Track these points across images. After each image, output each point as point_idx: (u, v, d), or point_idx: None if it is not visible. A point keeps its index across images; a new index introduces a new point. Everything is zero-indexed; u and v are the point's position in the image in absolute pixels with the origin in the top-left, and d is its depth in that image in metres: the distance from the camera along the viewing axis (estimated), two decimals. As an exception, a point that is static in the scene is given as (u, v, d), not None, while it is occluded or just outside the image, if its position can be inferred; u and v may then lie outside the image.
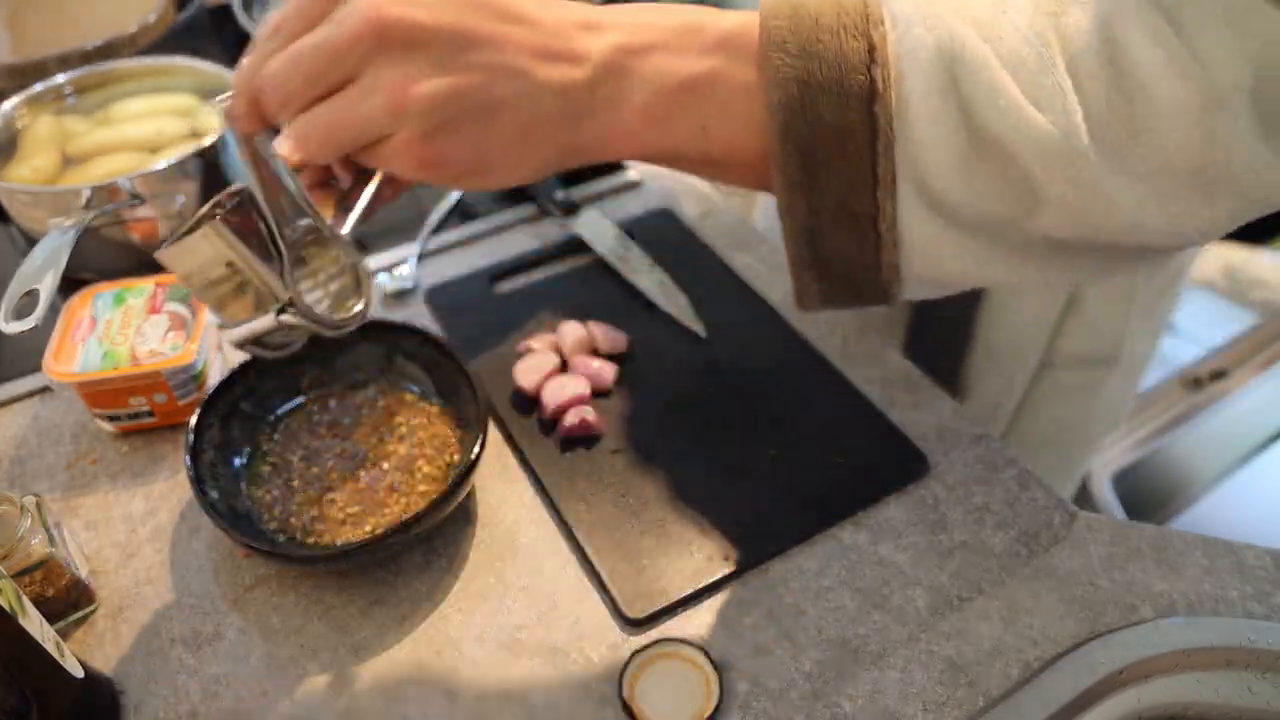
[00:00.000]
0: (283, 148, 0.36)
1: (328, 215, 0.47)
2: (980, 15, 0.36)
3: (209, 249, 0.43)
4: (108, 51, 0.89)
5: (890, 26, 0.36)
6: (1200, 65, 0.33)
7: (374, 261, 0.76)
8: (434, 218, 0.80)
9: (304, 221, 0.45)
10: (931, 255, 0.39)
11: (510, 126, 0.36)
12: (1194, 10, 0.34)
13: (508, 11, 0.35)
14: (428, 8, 0.33)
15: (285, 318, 0.44)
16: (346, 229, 0.47)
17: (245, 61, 0.37)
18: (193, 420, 0.56)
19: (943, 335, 0.78)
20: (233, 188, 0.45)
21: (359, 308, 0.47)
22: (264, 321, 0.45)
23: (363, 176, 0.50)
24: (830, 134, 0.36)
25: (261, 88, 0.35)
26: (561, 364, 0.65)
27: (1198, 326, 2.04)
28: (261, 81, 0.35)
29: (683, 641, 0.50)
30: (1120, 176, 0.35)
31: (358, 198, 0.49)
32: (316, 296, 0.46)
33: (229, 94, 0.38)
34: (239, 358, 0.60)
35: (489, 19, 0.34)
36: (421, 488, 0.57)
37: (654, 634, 0.52)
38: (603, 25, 0.37)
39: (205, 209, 0.44)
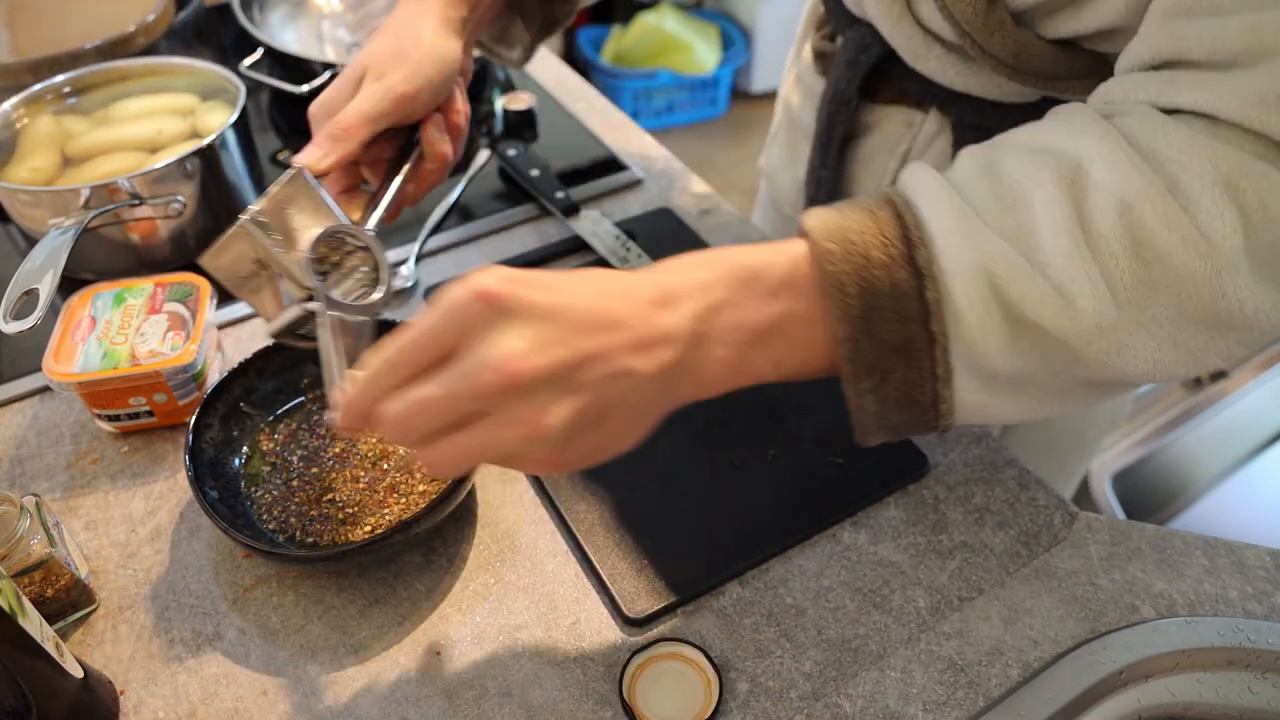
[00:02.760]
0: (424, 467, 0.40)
1: (356, 215, 0.54)
2: (1009, 225, 0.40)
3: (238, 247, 0.48)
4: (108, 51, 0.89)
5: (930, 247, 0.40)
6: (1207, 241, 0.38)
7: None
8: (434, 217, 0.80)
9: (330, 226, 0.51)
10: (981, 412, 0.44)
11: (623, 419, 0.41)
12: (1194, 178, 0.38)
13: (603, 322, 0.39)
14: (544, 349, 0.37)
15: (310, 306, 0.48)
16: (370, 224, 0.54)
17: (356, 391, 0.39)
18: (193, 420, 0.56)
19: None
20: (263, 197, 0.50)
21: (376, 295, 0.51)
22: (293, 311, 0.49)
23: (388, 178, 0.58)
24: (893, 350, 0.41)
25: (385, 423, 0.39)
26: (561, 364, 0.65)
27: (1198, 326, 2.02)
28: (387, 419, 0.38)
29: (683, 641, 0.50)
30: (1144, 327, 0.40)
31: (382, 197, 0.56)
32: (343, 288, 0.50)
33: (333, 408, 0.42)
34: (239, 357, 0.60)
35: (591, 336, 0.38)
36: (421, 488, 0.56)
37: (654, 634, 0.52)
38: (675, 298, 0.40)
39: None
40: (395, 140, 0.59)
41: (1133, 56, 0.44)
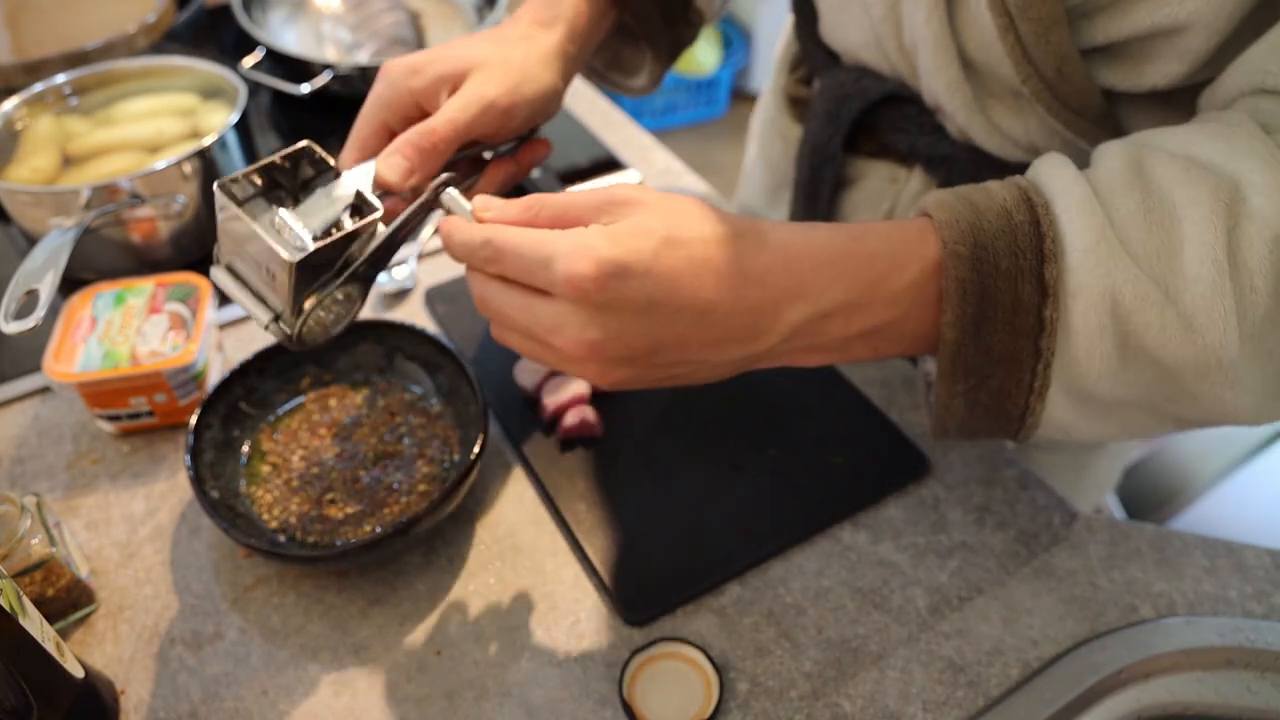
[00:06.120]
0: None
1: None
2: (1153, 244, 0.38)
3: (269, 259, 0.42)
4: (108, 51, 0.89)
5: (1060, 263, 0.38)
6: None
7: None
8: (434, 218, 0.80)
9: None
10: (1064, 429, 0.42)
11: (681, 379, 0.41)
12: None
13: (698, 313, 0.38)
14: (616, 340, 0.38)
15: (270, 329, 0.44)
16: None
17: (470, 242, 0.41)
18: (193, 420, 0.56)
19: None
20: (317, 158, 0.45)
21: (334, 331, 0.47)
22: (254, 313, 0.45)
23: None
24: (997, 359, 0.40)
25: (477, 301, 0.42)
26: (561, 364, 0.65)
27: (1198, 326, 2.02)
28: (476, 296, 0.41)
29: (683, 641, 0.50)
30: (1257, 362, 0.38)
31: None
32: (317, 316, 0.46)
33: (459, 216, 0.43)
34: (239, 357, 0.60)
35: (676, 325, 0.38)
36: (421, 488, 0.57)
37: (654, 634, 0.52)
38: (789, 297, 0.39)
39: (289, 151, 0.45)
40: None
41: (1259, 77, 0.41)
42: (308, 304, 0.44)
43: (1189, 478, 1.58)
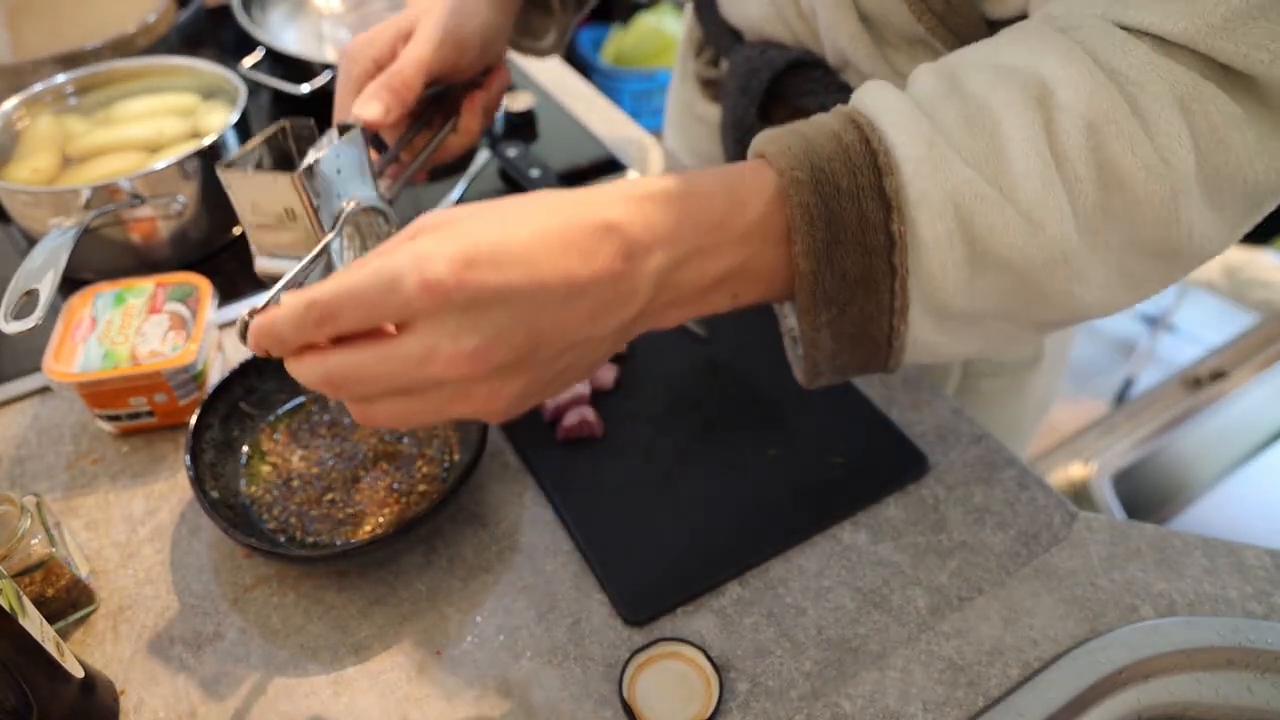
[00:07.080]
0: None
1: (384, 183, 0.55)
2: (979, 147, 0.39)
3: (280, 193, 0.45)
4: (108, 51, 0.89)
5: (898, 175, 0.39)
6: (1166, 164, 0.38)
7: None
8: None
9: (364, 200, 0.50)
10: (931, 350, 0.43)
11: (575, 373, 0.40)
12: (1152, 99, 0.38)
13: (561, 292, 0.36)
14: (498, 340, 0.35)
15: (317, 268, 0.47)
16: (390, 192, 0.54)
17: (281, 320, 0.37)
18: (193, 420, 0.56)
19: None
20: (300, 124, 0.50)
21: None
22: (294, 271, 0.46)
23: (409, 146, 0.58)
24: (854, 282, 0.40)
25: (316, 377, 0.37)
26: (561, 364, 0.65)
27: (1198, 326, 2.03)
28: (320, 375, 0.37)
29: (683, 641, 0.50)
30: (1097, 253, 0.40)
31: (409, 167, 0.56)
32: (351, 256, 0.50)
33: (248, 320, 0.39)
34: (239, 357, 0.60)
35: (548, 311, 0.36)
36: (421, 488, 0.57)
37: (654, 634, 0.52)
38: (641, 251, 0.38)
39: (270, 131, 0.49)
40: (422, 107, 0.59)
41: None
42: (335, 221, 0.47)
43: (1189, 478, 1.58)
